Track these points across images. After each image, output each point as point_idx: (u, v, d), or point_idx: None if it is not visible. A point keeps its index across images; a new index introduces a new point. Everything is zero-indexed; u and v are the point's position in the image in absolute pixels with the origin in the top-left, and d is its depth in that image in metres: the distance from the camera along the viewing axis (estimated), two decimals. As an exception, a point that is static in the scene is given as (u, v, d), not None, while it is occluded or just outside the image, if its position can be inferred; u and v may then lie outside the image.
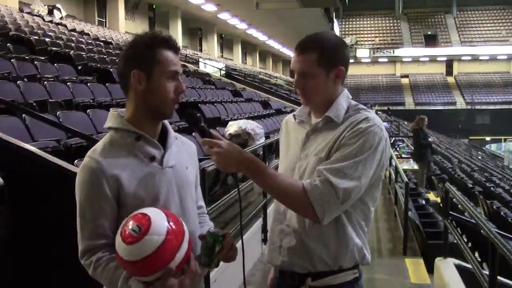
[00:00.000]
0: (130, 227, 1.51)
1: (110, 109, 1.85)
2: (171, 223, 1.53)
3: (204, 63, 23.61)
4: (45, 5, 17.65)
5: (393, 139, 19.41)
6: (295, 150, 1.91)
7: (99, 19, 23.78)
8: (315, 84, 1.83)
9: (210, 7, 27.06)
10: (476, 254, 5.85)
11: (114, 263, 1.59)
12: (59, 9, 17.87)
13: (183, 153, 1.85)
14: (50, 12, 17.69)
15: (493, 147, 44.65)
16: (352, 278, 1.85)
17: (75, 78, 8.29)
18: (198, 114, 1.82)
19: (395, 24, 62.18)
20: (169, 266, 1.50)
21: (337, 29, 38.13)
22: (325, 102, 1.86)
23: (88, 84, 8.18)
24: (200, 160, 4.05)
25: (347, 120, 1.81)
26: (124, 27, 24.53)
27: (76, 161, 3.51)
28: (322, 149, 1.80)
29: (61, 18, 17.52)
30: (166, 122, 1.82)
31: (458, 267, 4.73)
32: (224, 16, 29.64)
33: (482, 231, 3.73)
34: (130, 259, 1.50)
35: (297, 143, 1.91)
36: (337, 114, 1.83)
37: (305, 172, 1.82)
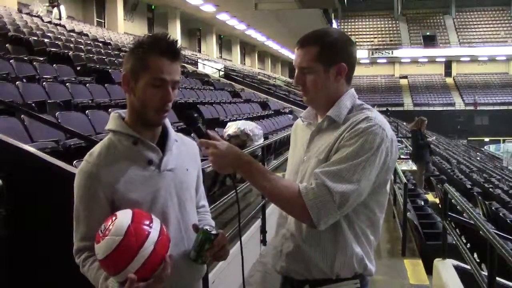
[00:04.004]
0: (101, 227, 1.57)
1: (113, 111, 1.84)
2: (133, 224, 1.54)
3: (203, 64, 23.61)
4: (44, 5, 17.64)
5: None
6: (300, 152, 1.86)
7: (98, 19, 23.77)
8: (314, 80, 1.77)
9: (209, 8, 27.07)
10: (475, 255, 5.85)
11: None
12: (59, 9, 17.82)
13: (184, 154, 1.84)
14: (54, 6, 17.65)
15: (492, 148, 44.64)
16: None
17: (73, 79, 8.28)
18: (195, 115, 1.82)
19: (394, 25, 62.20)
20: (131, 276, 1.51)
21: (336, 30, 38.10)
22: (327, 101, 1.79)
23: (87, 84, 8.17)
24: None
25: (348, 120, 1.74)
26: (123, 28, 24.54)
27: (75, 161, 3.50)
28: (322, 151, 1.74)
29: (59, 18, 17.48)
30: (168, 123, 1.82)
31: (456, 268, 4.73)
32: (223, 16, 29.64)
33: (480, 232, 3.74)
34: (98, 257, 1.57)
35: (302, 145, 1.86)
36: (338, 114, 1.76)
37: (306, 174, 1.77)
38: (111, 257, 1.52)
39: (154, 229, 1.57)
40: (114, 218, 1.56)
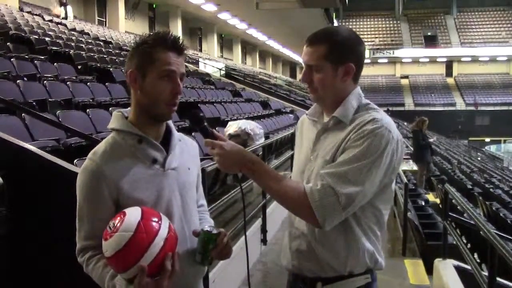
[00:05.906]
0: (109, 224, 1.56)
1: (114, 109, 1.84)
2: (143, 221, 1.54)
3: (204, 63, 23.61)
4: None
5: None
6: (306, 151, 1.85)
7: (99, 18, 23.79)
8: (322, 79, 1.75)
9: (210, 7, 27.07)
10: (475, 255, 5.85)
11: (104, 261, 1.63)
12: (66, 9, 17.88)
13: (185, 154, 1.84)
14: (61, 5, 17.80)
15: (492, 148, 44.64)
16: (364, 283, 1.79)
17: (74, 78, 8.30)
18: (201, 114, 1.81)
19: (395, 25, 62.19)
20: (142, 265, 1.51)
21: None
22: (334, 100, 1.78)
23: (88, 83, 8.18)
24: (200, 160, 4.07)
25: (355, 120, 1.73)
26: (124, 27, 24.56)
27: (75, 160, 3.51)
28: (329, 151, 1.73)
29: (65, 18, 17.54)
30: (170, 123, 1.81)
31: (457, 268, 4.73)
32: (224, 16, 29.64)
33: (481, 232, 3.74)
34: (106, 254, 1.56)
35: (308, 143, 1.85)
36: (345, 114, 1.75)
37: (312, 174, 1.76)
38: (121, 254, 1.51)
39: (163, 225, 1.57)
40: (123, 215, 1.56)
